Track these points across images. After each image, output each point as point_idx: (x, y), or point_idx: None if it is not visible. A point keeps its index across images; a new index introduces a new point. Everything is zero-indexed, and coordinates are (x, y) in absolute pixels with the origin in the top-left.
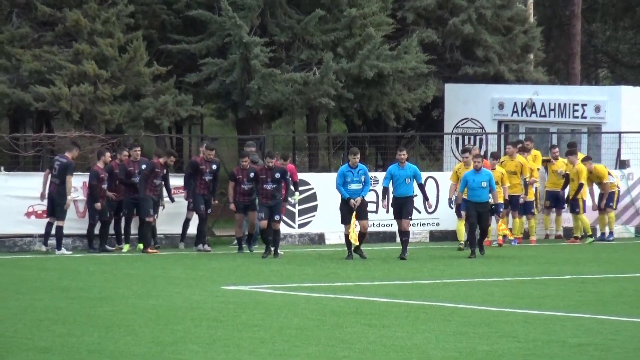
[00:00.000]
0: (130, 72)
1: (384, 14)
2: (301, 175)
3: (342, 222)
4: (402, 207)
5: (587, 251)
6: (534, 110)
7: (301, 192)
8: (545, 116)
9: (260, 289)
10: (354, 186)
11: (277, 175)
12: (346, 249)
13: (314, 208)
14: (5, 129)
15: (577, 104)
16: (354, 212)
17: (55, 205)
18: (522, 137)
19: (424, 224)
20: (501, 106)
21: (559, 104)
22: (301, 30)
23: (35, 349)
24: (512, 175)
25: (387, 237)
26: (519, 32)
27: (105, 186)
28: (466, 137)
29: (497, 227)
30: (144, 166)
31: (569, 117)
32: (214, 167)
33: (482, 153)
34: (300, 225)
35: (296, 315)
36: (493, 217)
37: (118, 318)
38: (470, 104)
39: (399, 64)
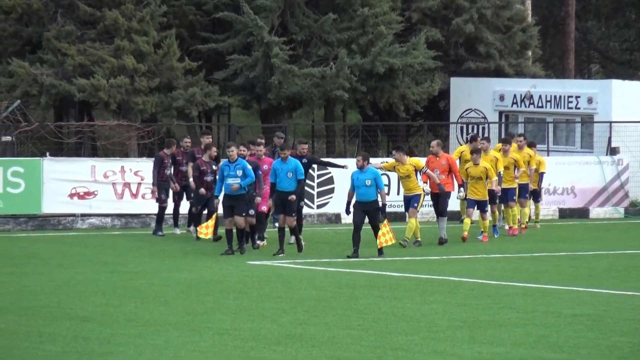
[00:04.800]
0: (164, 67)
1: (395, 13)
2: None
3: (224, 217)
4: (285, 203)
5: (580, 230)
6: (532, 101)
7: (319, 176)
8: (542, 107)
9: (282, 263)
10: (231, 180)
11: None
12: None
13: (332, 190)
14: (50, 118)
15: (571, 96)
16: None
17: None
18: (521, 126)
19: (431, 205)
20: (502, 98)
21: (555, 96)
22: (318, 29)
23: (77, 317)
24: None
25: (398, 217)
26: (518, 30)
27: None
28: (470, 126)
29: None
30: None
31: (564, 108)
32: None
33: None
34: (319, 206)
35: (315, 287)
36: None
37: (152, 290)
38: (474, 95)
39: (408, 60)
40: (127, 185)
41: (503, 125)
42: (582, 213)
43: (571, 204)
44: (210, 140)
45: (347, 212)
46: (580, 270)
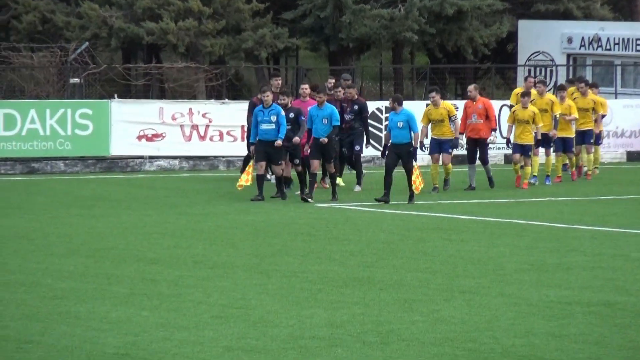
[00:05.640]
0: (231, 9)
1: None
2: (388, 104)
3: (255, 161)
4: (322, 150)
5: None
6: (600, 44)
7: (387, 119)
8: (610, 50)
9: (350, 206)
10: (265, 126)
11: (291, 115)
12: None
13: None
14: (118, 60)
15: (639, 39)
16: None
17: None
18: (588, 69)
19: (499, 148)
20: (570, 40)
21: (623, 39)
22: None
23: (145, 259)
24: (544, 113)
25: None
26: None
27: None
28: (538, 69)
29: (414, 178)
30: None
31: (632, 50)
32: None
33: (551, 84)
34: None
35: (382, 230)
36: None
37: (220, 232)
38: (542, 38)
39: (476, 2)
40: (195, 127)
41: (571, 68)
42: None
43: (639, 147)
44: (280, 82)
45: (383, 154)
46: None
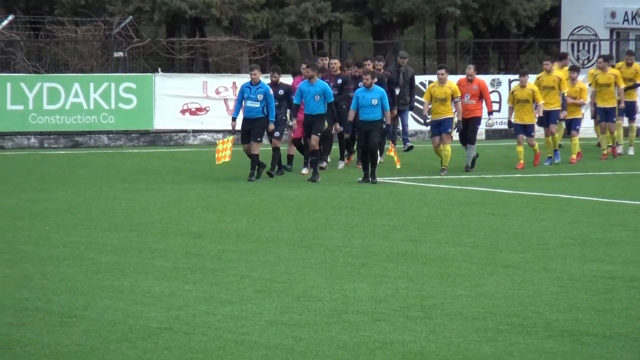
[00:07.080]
0: None
1: None
2: (432, 77)
3: (241, 142)
4: (312, 125)
5: None
6: None
7: None
8: None
9: (392, 180)
10: (250, 103)
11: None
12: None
13: None
14: (162, 34)
15: None
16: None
17: None
18: (632, 44)
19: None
20: (613, 15)
21: None
22: None
23: (189, 233)
24: (550, 91)
25: (510, 134)
26: None
27: None
28: (581, 43)
29: (388, 152)
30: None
31: None
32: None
33: (594, 59)
34: (429, 124)
35: (426, 204)
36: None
37: (263, 206)
38: (585, 12)
39: None
40: None
41: (614, 43)
42: None
43: None
44: (326, 62)
45: (347, 131)
46: None
